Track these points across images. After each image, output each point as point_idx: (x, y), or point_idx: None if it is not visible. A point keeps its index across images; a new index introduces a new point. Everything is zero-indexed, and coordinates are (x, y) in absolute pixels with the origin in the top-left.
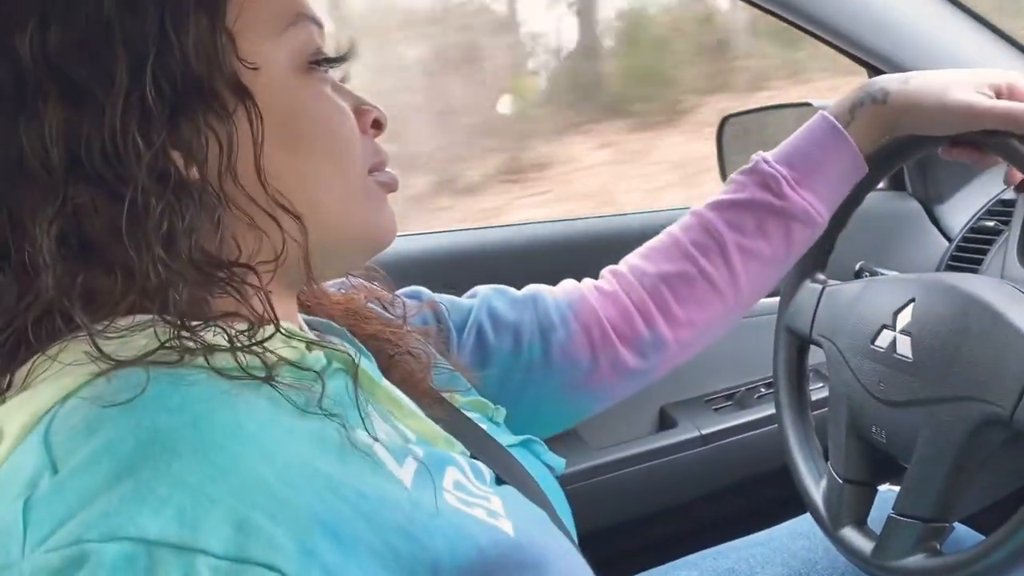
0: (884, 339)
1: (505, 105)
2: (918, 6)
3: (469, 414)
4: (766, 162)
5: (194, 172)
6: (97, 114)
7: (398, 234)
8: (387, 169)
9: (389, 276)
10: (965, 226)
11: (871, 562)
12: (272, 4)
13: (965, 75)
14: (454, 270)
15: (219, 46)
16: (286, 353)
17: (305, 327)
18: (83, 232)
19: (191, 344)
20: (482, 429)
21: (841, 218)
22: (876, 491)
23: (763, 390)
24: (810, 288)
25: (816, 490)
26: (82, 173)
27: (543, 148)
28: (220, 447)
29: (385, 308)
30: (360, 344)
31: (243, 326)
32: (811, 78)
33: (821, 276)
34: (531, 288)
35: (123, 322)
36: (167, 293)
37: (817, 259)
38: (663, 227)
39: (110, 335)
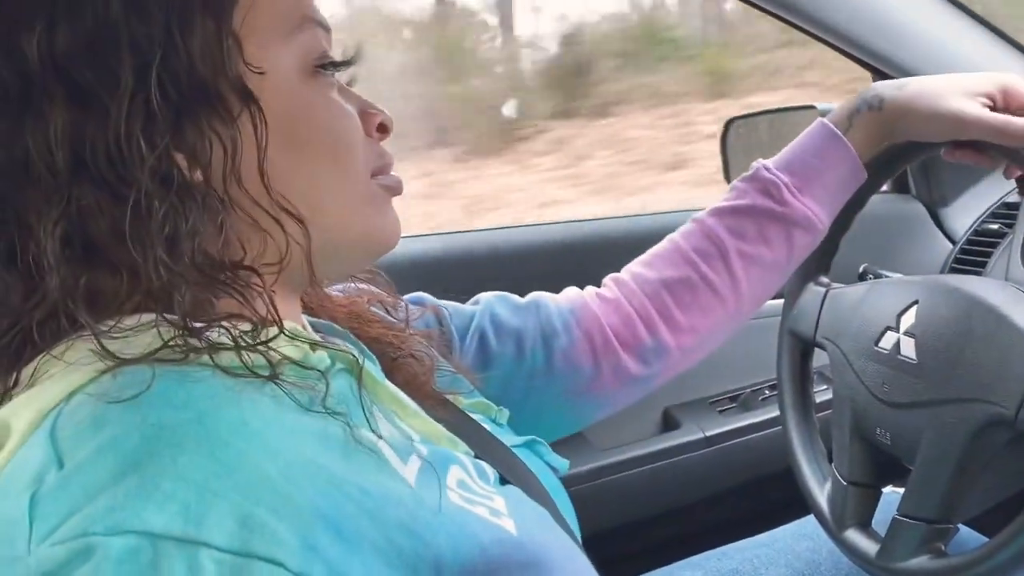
0: (888, 341)
1: (510, 108)
2: (920, 8)
3: (472, 415)
4: (767, 169)
5: (198, 175)
6: (102, 116)
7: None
8: (391, 172)
9: (391, 278)
10: (969, 229)
11: (875, 564)
12: (279, 8)
13: (960, 81)
14: (457, 272)
15: (225, 50)
16: (290, 352)
17: (309, 328)
18: (87, 234)
19: (195, 343)
20: (485, 429)
21: (844, 221)
22: (880, 493)
23: (767, 392)
24: (814, 291)
25: (820, 492)
26: (86, 175)
27: None
28: (224, 443)
29: (388, 311)
30: (363, 346)
31: (247, 327)
32: (662, 103)
33: (825, 279)
34: (534, 295)
35: (129, 321)
36: (171, 295)
37: (821, 262)
38: (669, 228)
39: (115, 335)
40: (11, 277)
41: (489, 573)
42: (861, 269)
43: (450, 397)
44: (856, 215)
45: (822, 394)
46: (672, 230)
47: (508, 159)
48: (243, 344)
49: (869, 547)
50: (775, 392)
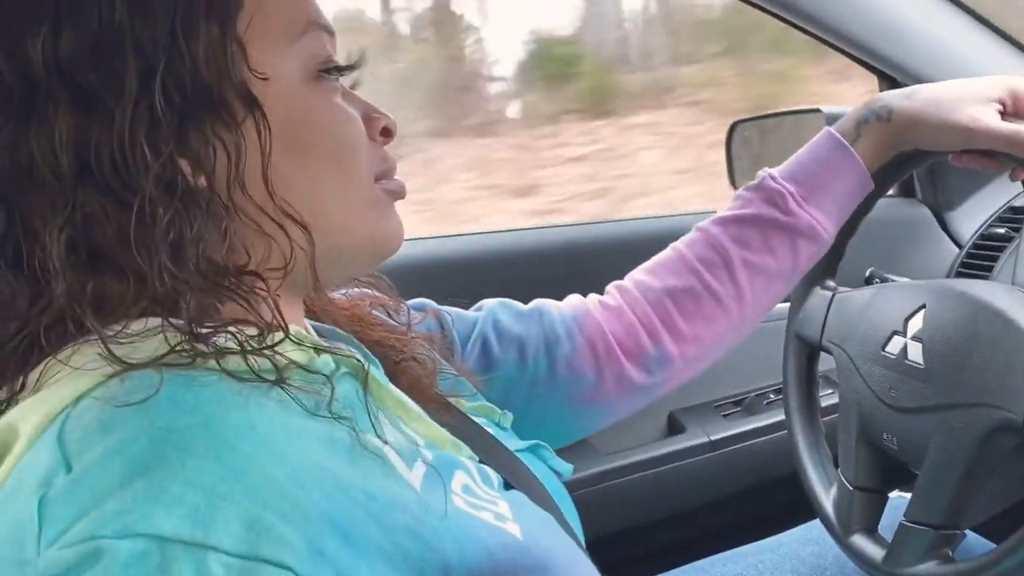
0: (895, 345)
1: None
2: (928, 12)
3: (476, 419)
4: (772, 178)
5: (202, 181)
6: (106, 121)
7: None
8: (395, 177)
9: (393, 281)
10: (976, 233)
11: (882, 569)
12: (284, 13)
13: (969, 88)
14: (460, 276)
15: (229, 55)
16: (296, 356)
17: (312, 332)
18: (92, 239)
19: (202, 348)
20: (489, 434)
21: (850, 226)
22: (887, 498)
23: (772, 396)
24: (820, 295)
25: (826, 497)
26: (91, 180)
27: None
28: (232, 447)
29: (390, 315)
30: (366, 350)
31: (253, 331)
32: (545, 122)
33: (831, 283)
34: (537, 302)
35: (135, 326)
36: (176, 300)
37: (827, 266)
38: (675, 231)
39: (122, 340)
40: (17, 282)
41: None
42: (867, 273)
43: (453, 401)
44: (862, 219)
45: (828, 398)
46: (679, 233)
47: None
48: (249, 349)
49: (876, 553)
50: (780, 396)
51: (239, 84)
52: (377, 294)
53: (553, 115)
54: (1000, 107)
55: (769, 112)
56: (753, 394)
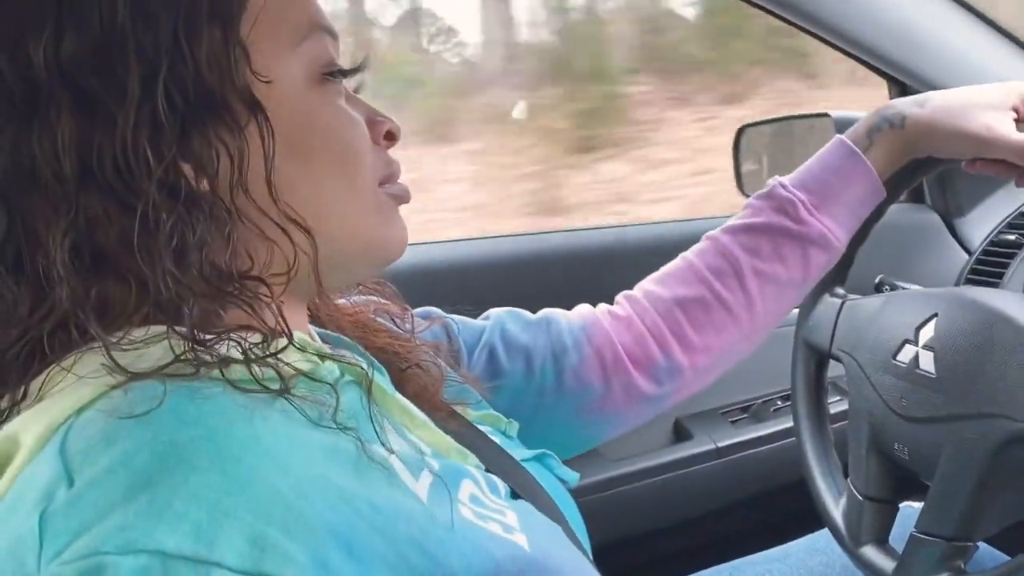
0: (906, 354)
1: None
2: (941, 17)
3: (482, 428)
4: (783, 186)
5: (205, 185)
6: (109, 125)
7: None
8: (399, 181)
9: (398, 287)
10: (986, 239)
11: None
12: (288, 17)
13: (985, 95)
14: (466, 281)
15: (232, 58)
16: (300, 365)
17: (316, 338)
18: (95, 243)
19: (206, 357)
20: (495, 443)
21: (861, 234)
22: (897, 509)
23: (779, 403)
24: (829, 302)
25: (835, 507)
26: (94, 184)
27: None
28: (236, 461)
29: (395, 322)
30: (371, 357)
31: (256, 338)
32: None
33: (840, 290)
34: (545, 311)
35: (137, 333)
36: (179, 306)
37: (836, 274)
38: (683, 235)
39: (125, 347)
40: (19, 287)
41: None
42: (877, 280)
43: (458, 409)
44: (873, 227)
45: (835, 405)
46: (686, 237)
47: None
48: (254, 356)
49: (886, 564)
50: (787, 403)
51: (242, 87)
52: (382, 300)
53: None
54: (1015, 114)
55: (776, 117)
56: (760, 401)
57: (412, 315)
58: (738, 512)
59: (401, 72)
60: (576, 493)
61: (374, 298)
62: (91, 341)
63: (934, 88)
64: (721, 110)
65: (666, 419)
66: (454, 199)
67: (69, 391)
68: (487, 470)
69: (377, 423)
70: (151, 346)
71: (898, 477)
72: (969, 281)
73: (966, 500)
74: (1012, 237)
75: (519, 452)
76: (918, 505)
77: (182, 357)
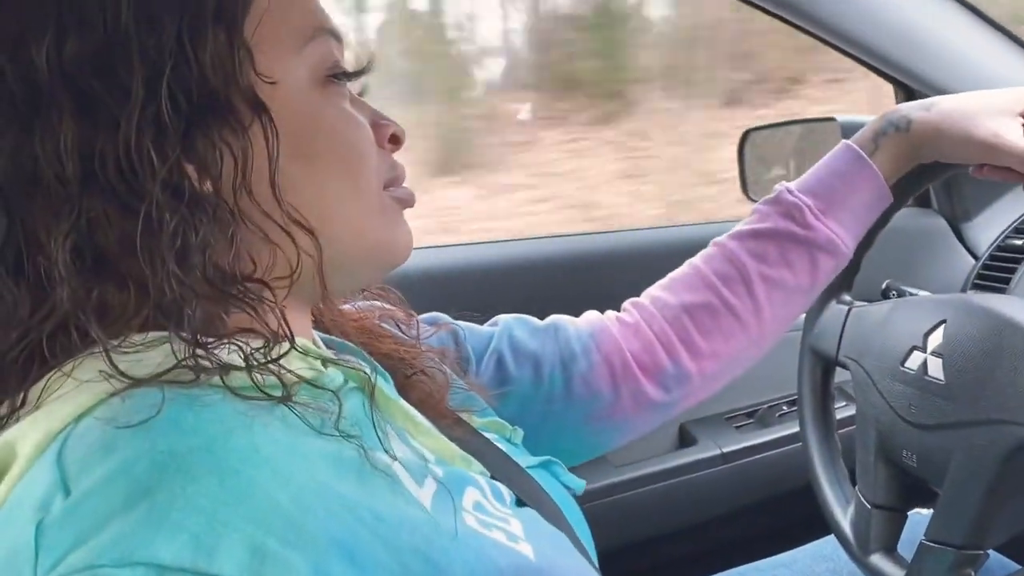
0: (915, 361)
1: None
2: (949, 21)
3: (487, 435)
4: (789, 192)
5: (208, 187)
6: (112, 127)
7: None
8: (403, 184)
9: (403, 291)
10: (992, 244)
11: None
12: (292, 19)
13: (993, 100)
14: (472, 285)
15: (236, 60)
16: (303, 372)
17: (320, 344)
18: (97, 246)
19: (207, 363)
20: (500, 450)
21: (867, 240)
22: (906, 517)
23: (785, 408)
24: (836, 309)
25: (843, 516)
26: (96, 186)
27: None
28: (235, 471)
29: (400, 327)
30: (375, 363)
31: (258, 343)
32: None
33: (847, 297)
34: (553, 318)
35: (137, 338)
36: (181, 309)
37: (843, 280)
38: (691, 239)
39: (126, 350)
40: (19, 289)
41: None
42: (884, 285)
43: (464, 416)
44: (879, 233)
45: (842, 411)
46: (694, 242)
47: None
48: (255, 362)
49: (895, 573)
50: (793, 408)
51: (246, 89)
52: (387, 306)
53: None
54: (1023, 120)
55: (782, 120)
56: (765, 406)
57: (417, 321)
58: (743, 518)
59: None
60: (581, 499)
61: (379, 303)
62: (91, 345)
63: (941, 92)
64: (591, 131)
65: (671, 424)
66: None
67: (67, 398)
68: (492, 477)
69: (380, 430)
70: (151, 350)
71: (906, 485)
72: (976, 286)
73: (976, 507)
74: (1019, 242)
75: (525, 459)
76: (927, 512)
77: (183, 362)
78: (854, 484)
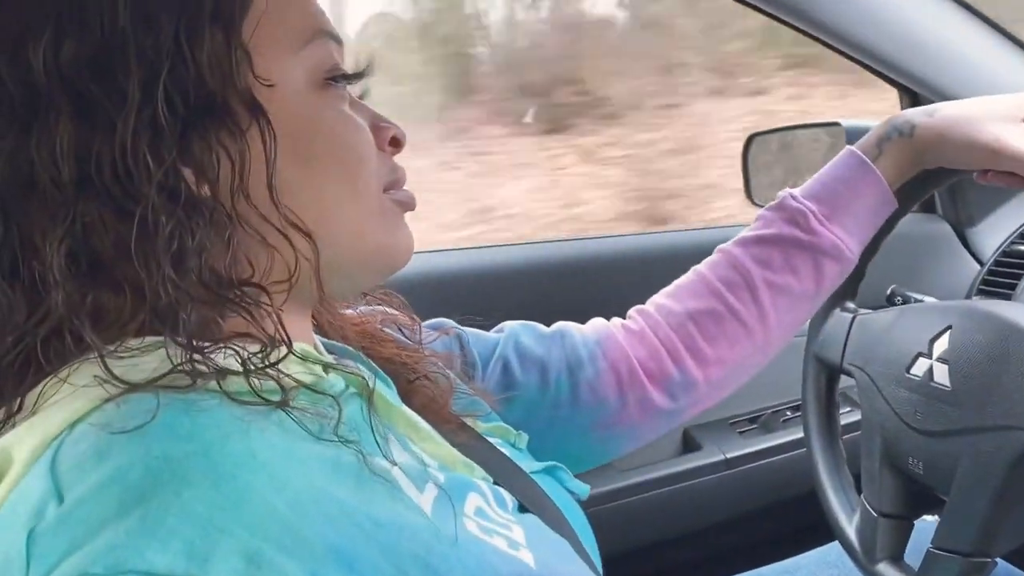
0: (920, 367)
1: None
2: (954, 26)
3: (491, 440)
4: (793, 197)
5: (205, 190)
6: (108, 130)
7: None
8: (404, 187)
9: (405, 295)
10: (997, 250)
11: None
12: (291, 21)
13: (997, 105)
14: (475, 289)
15: (234, 62)
16: (302, 377)
17: (322, 348)
18: (93, 249)
19: (203, 368)
20: (504, 455)
21: (872, 247)
22: (912, 525)
23: (789, 413)
24: (840, 317)
25: (849, 524)
26: (92, 190)
27: None
28: (231, 476)
29: (403, 332)
30: (377, 368)
31: (256, 348)
32: None
33: (851, 304)
34: (559, 325)
35: (134, 342)
36: (177, 313)
37: (847, 288)
38: (697, 244)
39: (121, 355)
40: (14, 293)
41: None
42: (889, 291)
43: (468, 421)
44: (884, 240)
45: (846, 416)
46: (702, 246)
47: None
48: (252, 367)
49: None
50: (796, 414)
51: (244, 91)
52: (390, 311)
53: None
54: None
55: (787, 125)
56: (769, 411)
57: (420, 326)
58: (747, 524)
59: None
60: (585, 504)
61: (381, 308)
62: (86, 350)
63: (946, 98)
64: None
65: (675, 430)
66: None
67: (63, 404)
68: (495, 483)
69: (379, 435)
70: (146, 355)
71: (913, 492)
72: (981, 292)
73: (983, 515)
74: None
75: (529, 464)
76: (933, 519)
77: (179, 367)
78: (859, 491)
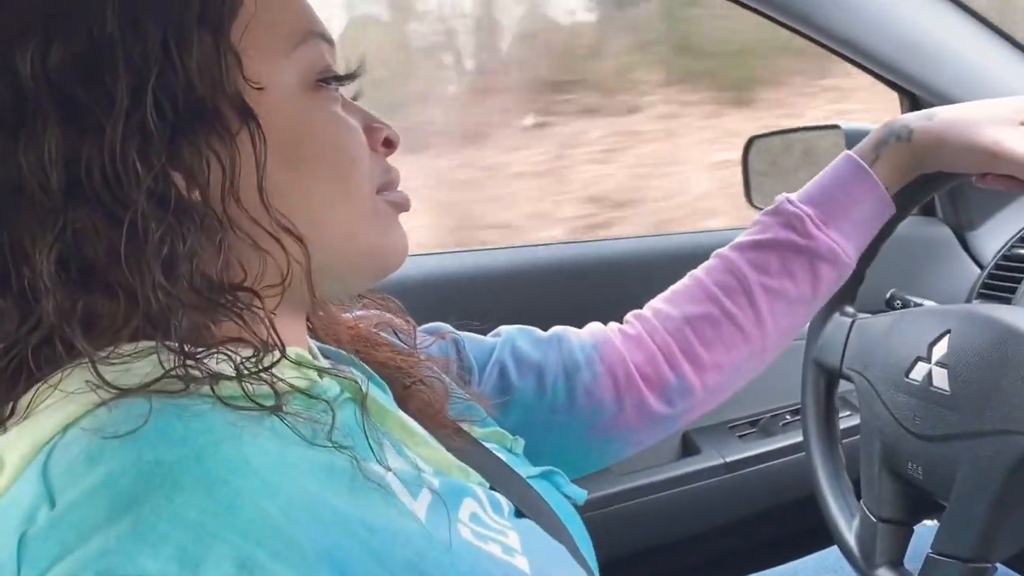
0: (919, 372)
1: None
2: (954, 29)
3: (487, 445)
4: (790, 202)
5: (196, 195)
6: (97, 135)
7: (411, 254)
8: (398, 188)
9: (400, 298)
10: (998, 253)
11: None
12: (281, 23)
13: (996, 109)
14: (472, 292)
15: (223, 65)
16: (296, 382)
17: (316, 352)
18: (83, 256)
19: (196, 373)
20: (500, 460)
21: (870, 251)
22: (912, 531)
23: (788, 417)
24: (839, 322)
25: (848, 529)
26: (82, 196)
27: None
28: (223, 481)
29: (398, 336)
30: (372, 372)
31: (248, 352)
32: None
33: (850, 309)
34: (556, 329)
35: (126, 348)
36: (168, 319)
37: (846, 292)
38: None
39: (113, 360)
40: (5, 301)
41: None
42: (888, 295)
43: (464, 426)
44: (883, 244)
45: (845, 420)
46: (698, 249)
47: None
48: (245, 371)
49: None
50: (796, 417)
51: (233, 94)
52: (386, 314)
53: None
54: None
55: (787, 128)
56: (768, 415)
57: (415, 330)
58: (746, 528)
59: None
60: (582, 508)
61: (377, 312)
62: (77, 357)
63: (946, 101)
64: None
65: (674, 433)
66: None
67: (55, 408)
68: (491, 488)
69: (373, 440)
70: (139, 360)
71: (912, 497)
72: (981, 295)
73: (983, 520)
74: None
75: (525, 469)
76: (932, 524)
77: (171, 372)
78: (858, 496)
